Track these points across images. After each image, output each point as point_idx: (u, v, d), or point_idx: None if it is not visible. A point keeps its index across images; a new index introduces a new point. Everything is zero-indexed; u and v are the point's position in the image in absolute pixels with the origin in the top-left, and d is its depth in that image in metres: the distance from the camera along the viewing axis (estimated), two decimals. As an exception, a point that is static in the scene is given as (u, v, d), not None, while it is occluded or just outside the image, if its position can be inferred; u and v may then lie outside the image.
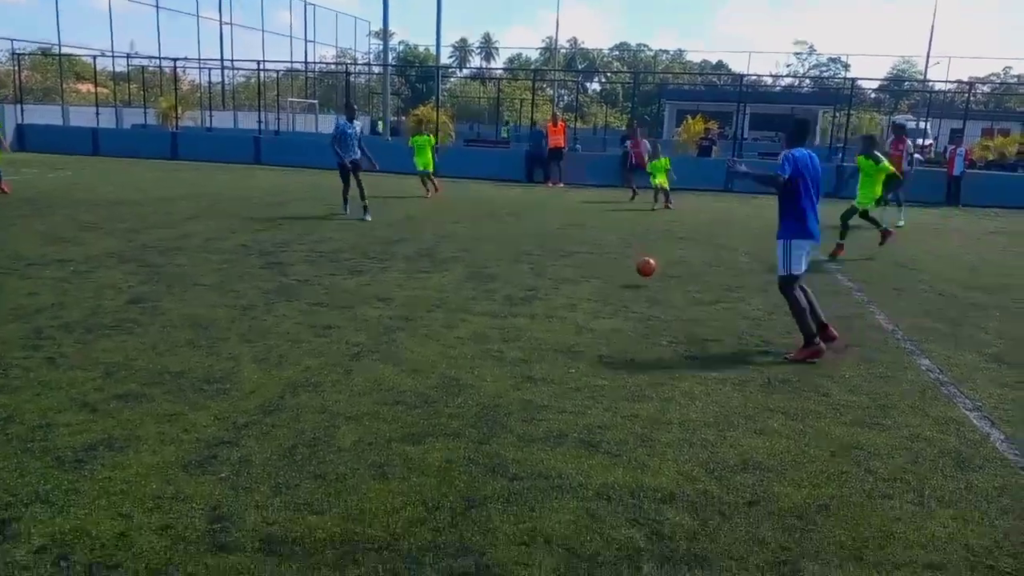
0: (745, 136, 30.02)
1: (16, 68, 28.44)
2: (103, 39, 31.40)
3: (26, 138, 26.34)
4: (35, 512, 3.34)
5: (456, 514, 3.48)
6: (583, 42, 78.94)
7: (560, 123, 22.05)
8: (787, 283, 6.10)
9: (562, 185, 21.18)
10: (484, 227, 12.84)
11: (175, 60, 30.05)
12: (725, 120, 34.12)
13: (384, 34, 34.67)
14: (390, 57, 41.92)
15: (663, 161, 17.21)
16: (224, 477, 3.72)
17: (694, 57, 76.85)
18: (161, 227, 11.29)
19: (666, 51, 76.92)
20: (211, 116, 34.47)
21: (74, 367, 5.16)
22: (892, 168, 11.55)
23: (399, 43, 66.98)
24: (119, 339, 5.83)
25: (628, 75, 57.60)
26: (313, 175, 20.66)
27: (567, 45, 75.39)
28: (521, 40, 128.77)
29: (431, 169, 17.76)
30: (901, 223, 14.30)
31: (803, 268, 6.10)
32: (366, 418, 4.51)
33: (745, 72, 38.53)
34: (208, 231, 11.13)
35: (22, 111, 26.91)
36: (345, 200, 13.46)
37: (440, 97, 34.14)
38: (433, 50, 41.52)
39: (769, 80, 54.24)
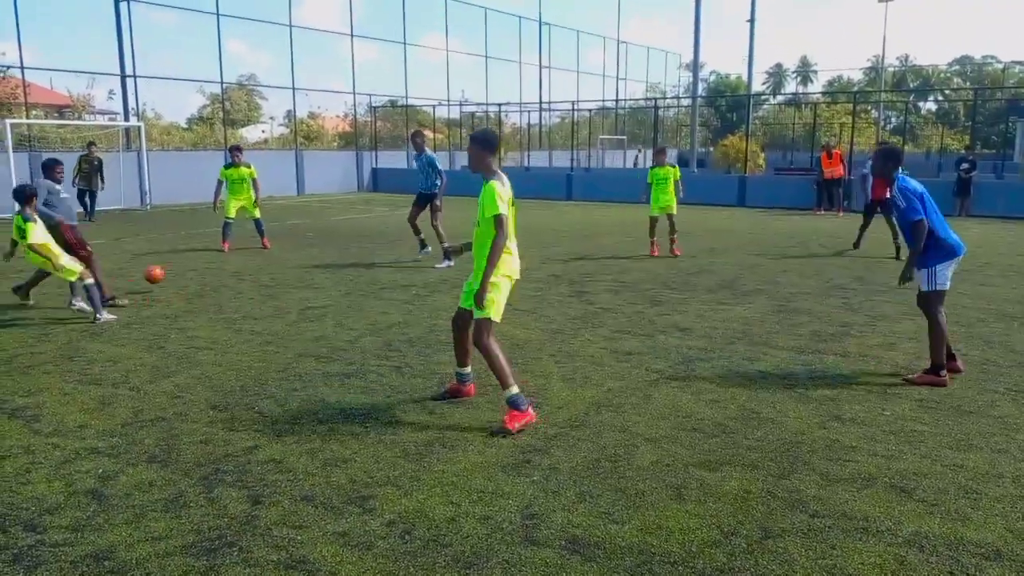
0: None
1: (372, 119, 33.20)
2: (440, 89, 35.29)
3: (378, 180, 30.74)
4: (386, 492, 4.01)
5: (752, 542, 3.51)
6: (914, 58, 71.77)
7: (835, 153, 21.07)
8: None
9: (841, 215, 19.95)
10: (791, 258, 12.37)
11: (500, 105, 33.00)
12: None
13: (694, 66, 34.82)
14: (700, 88, 41.94)
15: None
16: (536, 480, 4.13)
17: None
18: (485, 257, 12.50)
19: (1020, 62, 67.15)
20: (528, 156, 37.18)
21: (416, 375, 6.03)
22: None
23: (710, 73, 66.36)
24: (450, 354, 6.61)
25: (969, 91, 51.26)
26: (620, 209, 21.41)
27: (896, 62, 69.10)
28: (841, 62, 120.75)
29: (671, 210, 12.80)
30: None
31: None
32: (664, 441, 4.69)
33: None
34: (524, 261, 12.09)
35: (376, 157, 31.39)
36: (418, 234, 12.40)
37: (750, 126, 33.37)
38: (745, 78, 40.76)
39: None
